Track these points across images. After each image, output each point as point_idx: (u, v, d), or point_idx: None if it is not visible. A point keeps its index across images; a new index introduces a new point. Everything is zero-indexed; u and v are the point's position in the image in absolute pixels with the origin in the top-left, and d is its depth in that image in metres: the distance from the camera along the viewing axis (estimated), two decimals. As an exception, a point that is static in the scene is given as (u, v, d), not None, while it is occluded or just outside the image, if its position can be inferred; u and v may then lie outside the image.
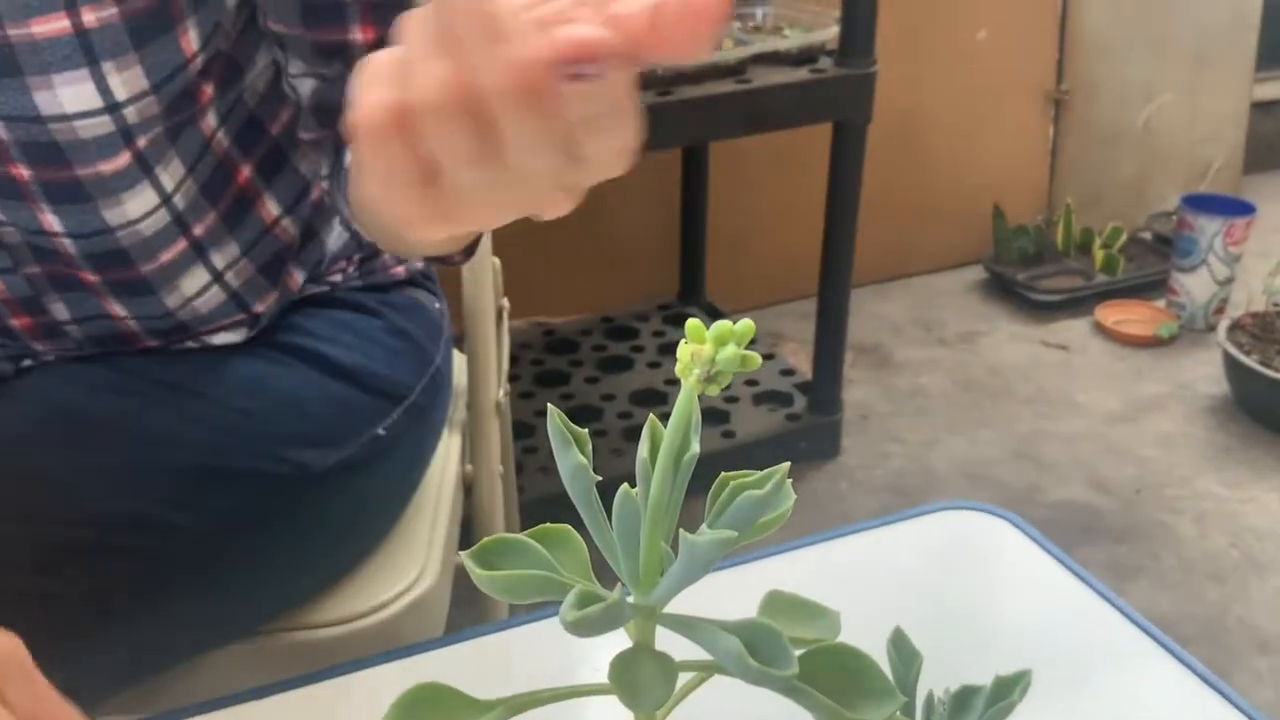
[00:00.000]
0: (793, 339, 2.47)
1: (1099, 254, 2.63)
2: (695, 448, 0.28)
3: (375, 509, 0.86)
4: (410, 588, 0.86)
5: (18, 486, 0.70)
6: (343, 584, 0.84)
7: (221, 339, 0.80)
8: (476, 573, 0.28)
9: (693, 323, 0.25)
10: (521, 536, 0.30)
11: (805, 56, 1.86)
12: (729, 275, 2.51)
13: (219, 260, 0.78)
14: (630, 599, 0.28)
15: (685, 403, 0.26)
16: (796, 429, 2.05)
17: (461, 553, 0.29)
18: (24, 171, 0.66)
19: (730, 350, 0.24)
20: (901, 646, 0.41)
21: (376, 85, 0.36)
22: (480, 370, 1.07)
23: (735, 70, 1.80)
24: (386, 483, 0.87)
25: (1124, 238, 2.66)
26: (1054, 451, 2.11)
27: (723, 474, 0.32)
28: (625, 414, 2.07)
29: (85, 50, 0.61)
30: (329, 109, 0.68)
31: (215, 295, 0.79)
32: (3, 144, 0.64)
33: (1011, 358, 2.43)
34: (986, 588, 0.69)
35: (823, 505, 1.98)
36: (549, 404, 0.29)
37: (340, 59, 0.67)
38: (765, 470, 0.30)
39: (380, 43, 0.66)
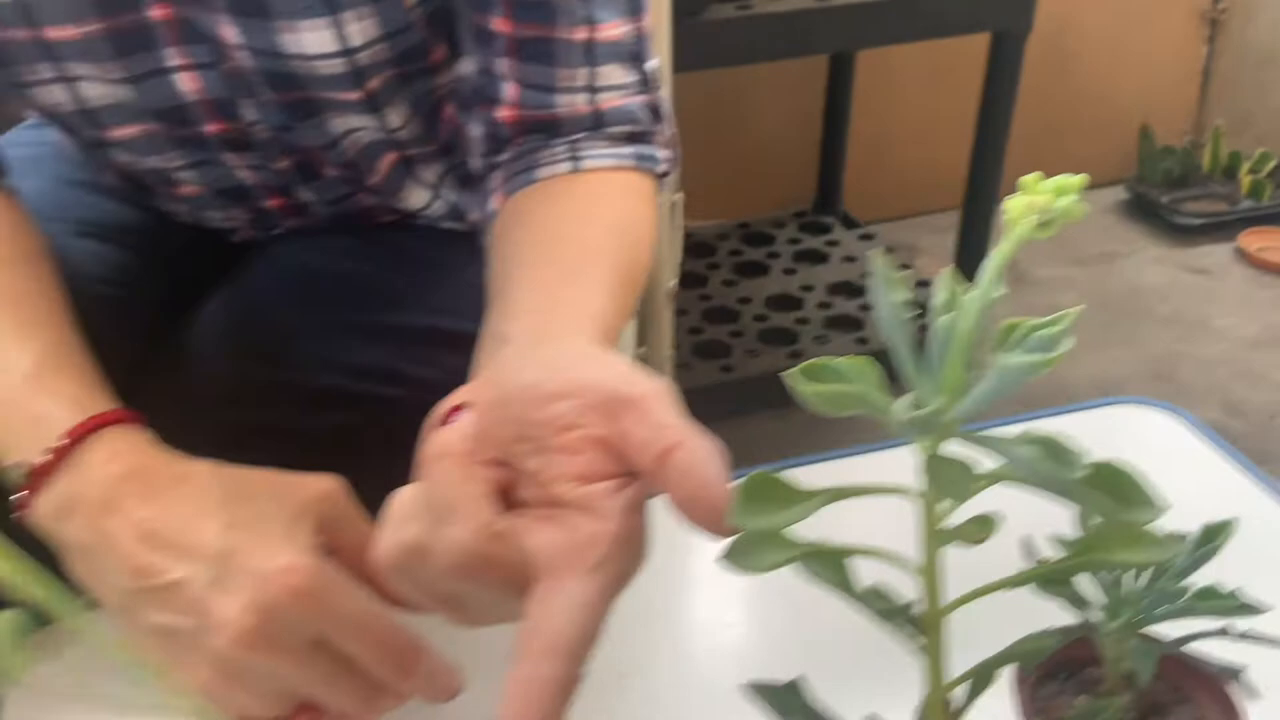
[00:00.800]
0: (927, 252, 2.48)
1: (1246, 179, 2.58)
2: (1002, 289, 0.33)
3: None
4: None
5: (275, 335, 0.78)
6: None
7: (448, 225, 0.87)
8: (805, 388, 0.34)
9: (1030, 177, 0.30)
10: (835, 361, 0.35)
11: (966, -36, 1.85)
12: (867, 186, 2.52)
13: (429, 175, 0.84)
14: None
15: (1010, 246, 0.31)
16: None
17: (785, 373, 0.35)
18: (268, 95, 0.72)
19: (1069, 200, 0.29)
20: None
21: (398, 525, 0.43)
22: (657, 259, 1.13)
23: (895, -23, 1.81)
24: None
25: (1272, 164, 2.60)
26: (1190, 374, 2.11)
27: (1007, 320, 0.37)
28: (761, 316, 2.12)
29: (327, 1, 0.66)
30: (465, 98, 0.73)
31: (439, 207, 0.86)
32: (248, 70, 0.70)
33: (1150, 279, 2.41)
34: (1163, 476, 0.73)
35: (953, 415, 2.01)
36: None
37: (484, 46, 0.69)
38: (1055, 314, 0.34)
39: (517, 42, 0.67)
